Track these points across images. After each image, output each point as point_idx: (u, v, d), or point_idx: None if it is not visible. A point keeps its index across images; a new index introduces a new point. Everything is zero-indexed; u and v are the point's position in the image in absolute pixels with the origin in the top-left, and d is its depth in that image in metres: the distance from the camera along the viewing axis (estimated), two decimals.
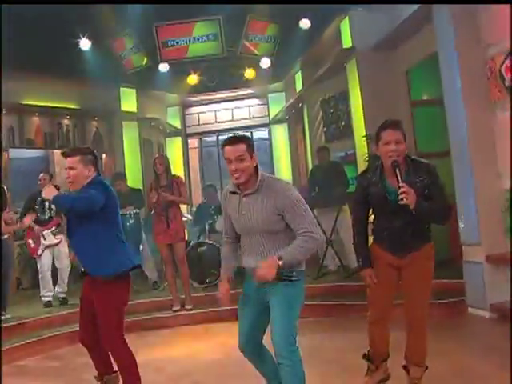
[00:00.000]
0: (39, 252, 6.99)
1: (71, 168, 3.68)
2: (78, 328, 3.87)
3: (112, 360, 3.72)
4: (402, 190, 3.26)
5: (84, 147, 3.98)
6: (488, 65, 5.61)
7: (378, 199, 3.52)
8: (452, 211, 3.60)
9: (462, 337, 5.04)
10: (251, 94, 12.43)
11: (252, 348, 3.35)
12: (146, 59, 9.41)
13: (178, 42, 9.02)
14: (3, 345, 5.41)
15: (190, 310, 6.70)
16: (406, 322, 3.58)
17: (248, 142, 3.18)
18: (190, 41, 9.04)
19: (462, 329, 5.40)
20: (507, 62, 5.36)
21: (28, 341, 5.78)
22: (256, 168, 3.19)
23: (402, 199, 3.26)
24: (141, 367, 3.67)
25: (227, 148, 3.15)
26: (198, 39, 9.00)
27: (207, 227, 7.92)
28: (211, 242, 7.68)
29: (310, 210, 3.15)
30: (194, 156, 13.12)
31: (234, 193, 3.29)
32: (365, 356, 3.84)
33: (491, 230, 5.62)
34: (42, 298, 7.01)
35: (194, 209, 9.70)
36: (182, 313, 6.69)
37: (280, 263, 2.99)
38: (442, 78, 6.07)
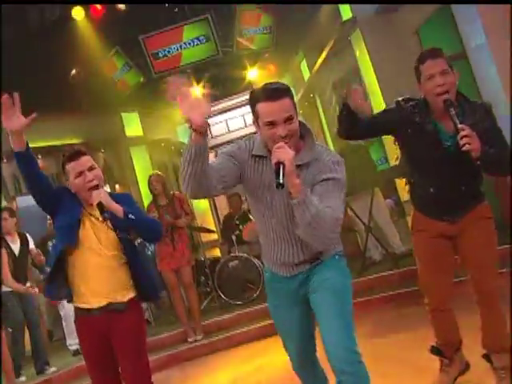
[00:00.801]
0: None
1: (92, 168, 2.80)
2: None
3: None
4: (463, 133, 2.54)
5: None
6: None
7: (427, 145, 2.78)
8: None
9: None
10: None
11: (305, 364, 2.63)
12: (141, 76, 8.91)
13: (169, 51, 8.45)
14: None
15: (201, 339, 6.07)
16: (477, 300, 2.89)
17: (291, 92, 2.30)
18: (181, 47, 8.46)
19: None
20: None
21: None
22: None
23: (463, 145, 2.53)
24: None
25: (269, 105, 2.22)
26: (190, 43, 8.42)
27: (234, 239, 7.32)
28: (242, 254, 7.08)
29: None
30: None
31: (261, 157, 2.39)
32: (433, 349, 3.15)
33: None
34: (69, 347, 6.48)
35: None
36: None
37: (302, 187, 2.18)
38: (459, 27, 5.42)
